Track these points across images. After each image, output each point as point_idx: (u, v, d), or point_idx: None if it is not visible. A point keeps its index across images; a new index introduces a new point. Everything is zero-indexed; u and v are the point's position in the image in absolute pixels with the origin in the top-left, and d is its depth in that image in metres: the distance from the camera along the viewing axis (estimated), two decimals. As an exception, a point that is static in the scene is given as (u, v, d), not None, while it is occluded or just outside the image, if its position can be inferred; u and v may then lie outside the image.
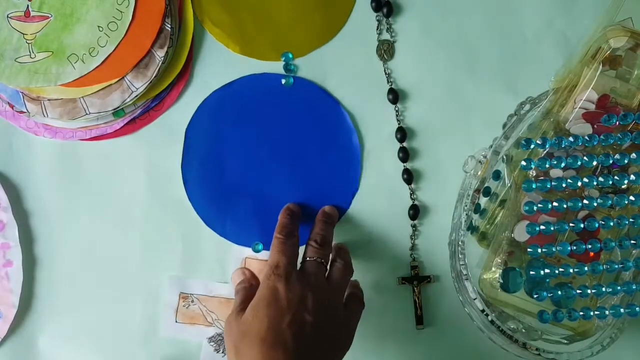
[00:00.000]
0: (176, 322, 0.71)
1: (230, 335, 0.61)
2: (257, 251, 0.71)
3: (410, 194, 0.71)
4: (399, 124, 0.72)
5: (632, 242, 0.59)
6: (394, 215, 0.71)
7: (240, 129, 0.71)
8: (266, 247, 0.71)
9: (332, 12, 0.72)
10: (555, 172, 0.60)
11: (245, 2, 0.71)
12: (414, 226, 0.71)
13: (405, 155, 0.71)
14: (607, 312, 0.59)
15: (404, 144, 0.71)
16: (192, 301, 0.71)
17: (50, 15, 0.67)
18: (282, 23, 0.71)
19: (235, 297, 0.66)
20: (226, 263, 0.71)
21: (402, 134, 0.71)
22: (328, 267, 0.66)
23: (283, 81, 0.71)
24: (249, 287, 0.67)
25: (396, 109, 0.72)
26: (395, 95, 0.71)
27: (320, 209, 0.70)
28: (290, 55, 0.71)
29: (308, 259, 0.65)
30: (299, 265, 0.65)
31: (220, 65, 0.71)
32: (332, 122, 0.71)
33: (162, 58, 0.68)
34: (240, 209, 0.71)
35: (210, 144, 0.71)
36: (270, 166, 0.71)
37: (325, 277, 0.65)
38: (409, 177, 0.71)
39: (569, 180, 0.59)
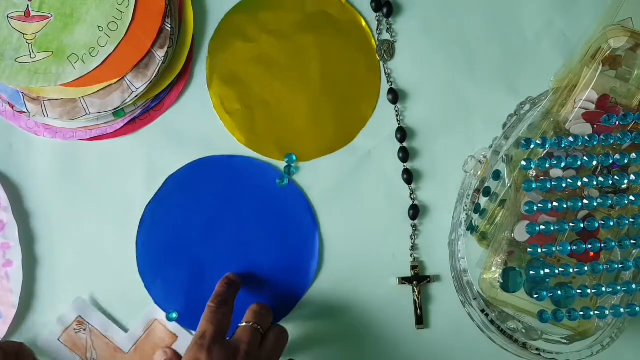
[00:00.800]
0: (58, 339, 0.69)
1: None
2: (169, 319, 0.69)
3: (410, 194, 0.71)
4: (399, 124, 0.72)
5: (632, 242, 0.58)
6: (394, 215, 0.71)
7: (216, 202, 0.70)
8: (180, 320, 0.69)
9: (345, 126, 0.71)
10: (555, 172, 0.60)
11: (261, 96, 0.71)
12: (414, 226, 0.71)
13: (405, 155, 0.71)
14: (607, 312, 0.59)
15: (404, 144, 0.71)
16: (85, 330, 0.69)
17: (50, 15, 0.67)
18: (294, 125, 0.71)
19: None
20: (135, 314, 0.70)
21: (402, 134, 0.71)
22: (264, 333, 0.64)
23: (278, 181, 0.70)
24: None
25: (396, 109, 0.72)
26: (395, 95, 0.71)
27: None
28: (294, 158, 0.71)
29: (244, 323, 0.64)
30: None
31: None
32: (302, 240, 0.70)
33: (162, 58, 0.68)
34: (176, 274, 0.69)
35: (181, 201, 0.70)
36: (224, 249, 0.70)
37: (258, 344, 0.62)
38: (409, 177, 0.71)
39: (569, 180, 0.59)
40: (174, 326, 0.70)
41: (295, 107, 0.71)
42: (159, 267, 0.70)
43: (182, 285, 0.70)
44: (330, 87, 0.71)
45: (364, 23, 0.72)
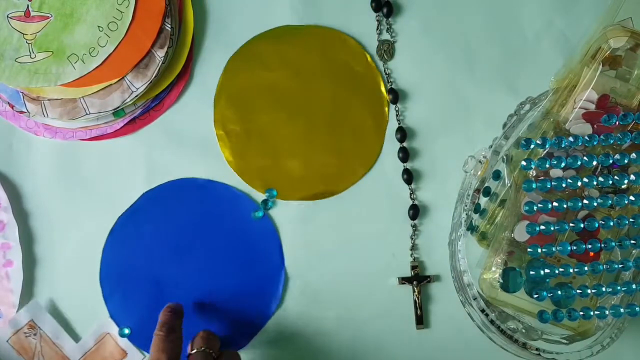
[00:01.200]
0: (7, 341, 0.68)
1: None
2: (121, 335, 0.68)
3: (410, 194, 0.71)
4: (399, 124, 0.71)
5: (632, 242, 0.58)
6: (394, 215, 0.71)
7: (188, 225, 0.69)
8: (131, 337, 0.68)
9: (333, 180, 0.71)
10: (555, 172, 0.60)
11: (262, 126, 0.71)
12: (414, 226, 0.71)
13: (405, 155, 0.71)
14: (607, 312, 0.59)
15: (404, 144, 0.71)
16: (35, 335, 0.68)
17: (50, 15, 0.67)
18: (284, 164, 0.71)
19: None
20: (89, 324, 0.69)
21: (402, 134, 0.71)
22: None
23: (253, 213, 0.70)
24: None
25: (396, 109, 0.72)
26: (395, 95, 0.71)
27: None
28: (275, 193, 0.70)
29: (195, 350, 0.63)
30: None
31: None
32: (267, 277, 0.70)
33: (162, 58, 0.68)
34: (135, 290, 0.69)
35: (153, 218, 0.69)
36: (188, 273, 0.69)
37: None
38: (409, 177, 0.71)
39: (569, 180, 0.59)
40: (124, 342, 0.69)
41: (291, 147, 0.71)
42: (120, 281, 0.69)
43: (139, 302, 0.69)
44: (331, 137, 0.71)
45: (383, 87, 0.71)
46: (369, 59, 0.72)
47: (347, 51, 0.72)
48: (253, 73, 0.71)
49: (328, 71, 0.71)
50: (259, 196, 0.70)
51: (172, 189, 0.70)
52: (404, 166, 0.71)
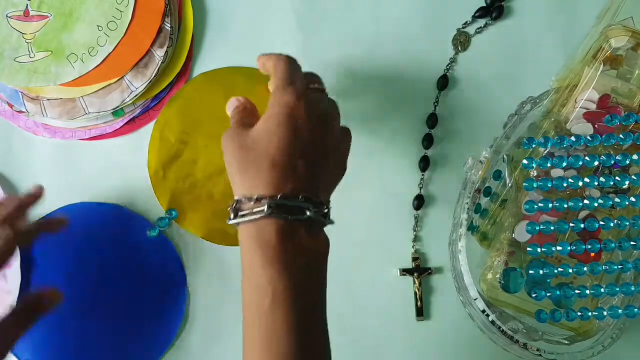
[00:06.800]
0: None
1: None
2: None
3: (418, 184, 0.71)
4: (399, 123, 0.72)
5: (632, 243, 0.59)
6: (396, 207, 0.71)
7: (83, 248, 0.68)
8: None
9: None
10: (556, 172, 0.60)
11: (197, 150, 0.69)
12: (416, 217, 0.71)
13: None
14: (605, 313, 0.59)
15: (404, 142, 0.71)
16: None
17: (49, 15, 0.67)
18: (200, 197, 0.69)
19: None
20: None
21: (403, 131, 0.71)
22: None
23: (148, 232, 0.68)
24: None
25: (396, 107, 0.72)
26: (395, 94, 0.71)
27: None
28: (175, 214, 0.68)
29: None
30: None
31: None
32: (169, 295, 0.68)
33: (162, 57, 0.67)
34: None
35: (48, 244, 0.67)
36: (87, 297, 0.67)
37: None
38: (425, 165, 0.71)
39: (570, 180, 0.59)
40: None
41: (214, 186, 0.69)
42: None
43: (37, 330, 0.64)
44: None
45: None
46: None
47: None
48: (214, 97, 0.69)
49: None
50: (159, 213, 0.69)
51: (64, 214, 0.68)
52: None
